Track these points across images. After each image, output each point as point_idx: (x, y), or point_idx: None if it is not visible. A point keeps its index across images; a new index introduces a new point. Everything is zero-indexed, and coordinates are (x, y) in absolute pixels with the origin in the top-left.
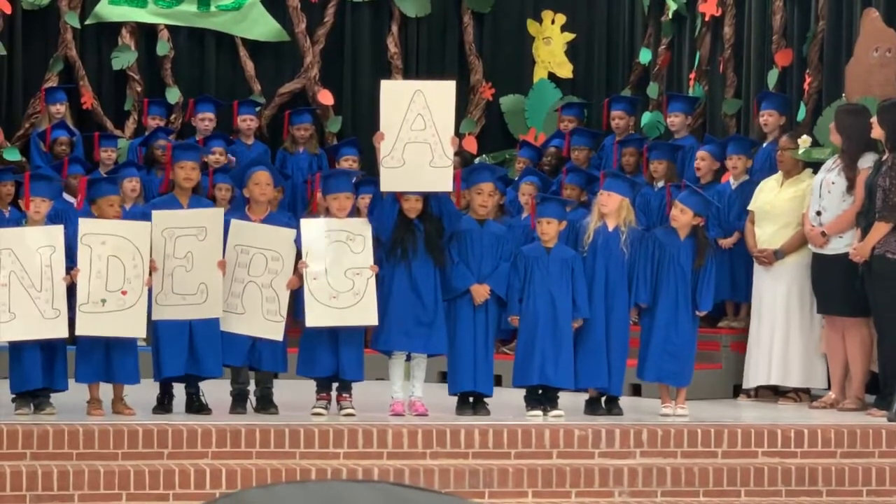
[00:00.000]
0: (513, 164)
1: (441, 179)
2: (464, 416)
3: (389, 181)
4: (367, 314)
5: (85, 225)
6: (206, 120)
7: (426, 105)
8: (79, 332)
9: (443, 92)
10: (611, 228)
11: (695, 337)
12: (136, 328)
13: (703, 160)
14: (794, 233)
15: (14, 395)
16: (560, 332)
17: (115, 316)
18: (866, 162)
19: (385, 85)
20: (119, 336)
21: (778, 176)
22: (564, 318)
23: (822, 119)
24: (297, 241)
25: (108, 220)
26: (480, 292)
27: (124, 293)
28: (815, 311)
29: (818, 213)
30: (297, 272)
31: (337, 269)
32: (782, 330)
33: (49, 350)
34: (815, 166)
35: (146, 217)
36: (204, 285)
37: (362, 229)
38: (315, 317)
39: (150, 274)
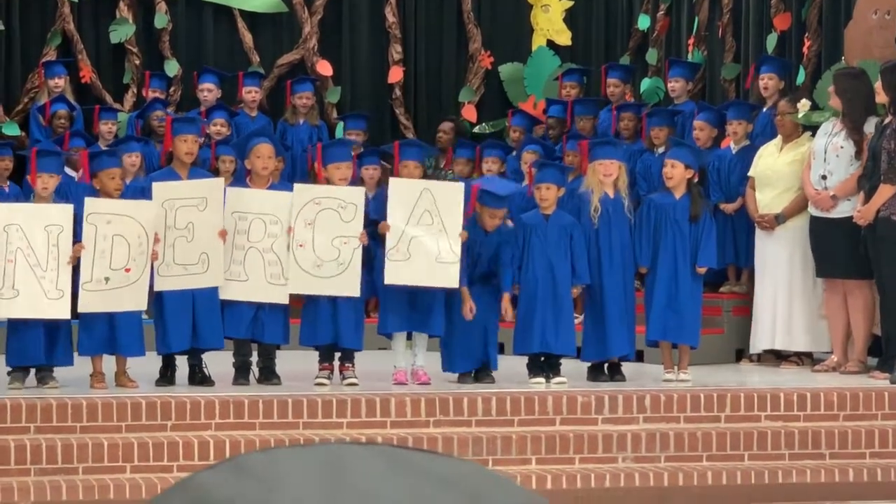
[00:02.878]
0: (509, 133)
1: (447, 275)
2: (466, 384)
3: (394, 274)
4: (349, 285)
5: (91, 204)
6: (205, 91)
7: (434, 202)
8: (81, 309)
9: (451, 192)
10: (612, 195)
11: (698, 295)
12: (138, 301)
13: (701, 130)
14: (795, 197)
15: (10, 369)
16: (560, 299)
17: (119, 292)
18: (868, 126)
19: (393, 182)
20: (122, 310)
21: (777, 141)
22: (564, 285)
23: (822, 82)
24: None
25: (113, 199)
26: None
27: (128, 270)
28: (815, 275)
29: (823, 178)
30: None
31: (324, 236)
32: (785, 295)
33: (52, 327)
34: (815, 130)
35: (147, 191)
36: (205, 255)
37: (355, 198)
38: (297, 285)
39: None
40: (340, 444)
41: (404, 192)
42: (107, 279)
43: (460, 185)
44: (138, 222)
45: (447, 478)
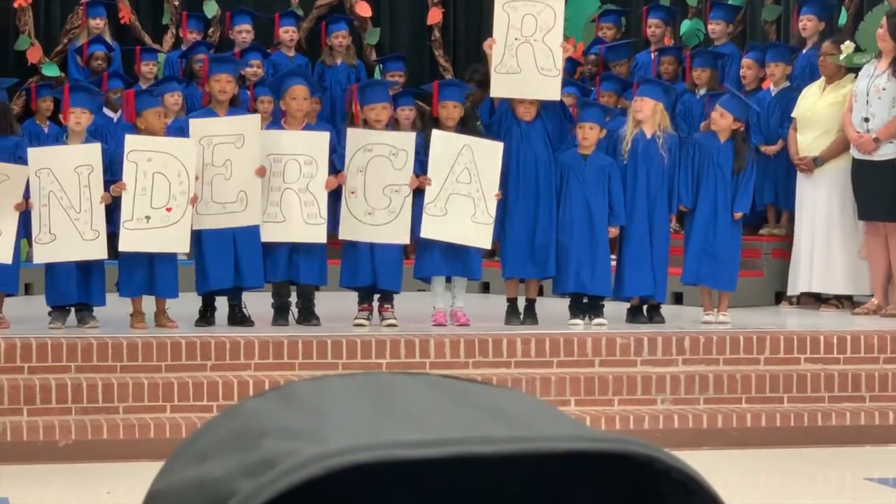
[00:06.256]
0: None
1: (480, 235)
2: (511, 325)
3: (430, 228)
4: (400, 233)
5: (131, 142)
6: (243, 32)
7: (473, 160)
8: (122, 248)
9: (491, 150)
10: (648, 135)
11: (737, 241)
12: (180, 243)
13: (749, 68)
14: (834, 139)
15: (51, 309)
16: (596, 239)
17: (160, 232)
18: None
19: (435, 135)
20: (163, 251)
21: (820, 82)
22: (600, 225)
23: (865, 24)
24: (334, 144)
25: (153, 136)
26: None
27: (169, 210)
28: (857, 218)
29: (866, 120)
30: (337, 175)
31: (376, 184)
32: (824, 237)
33: (85, 266)
34: (858, 72)
35: (186, 131)
36: (244, 193)
37: (406, 144)
38: (348, 231)
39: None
40: (389, 374)
41: (445, 146)
42: (147, 218)
43: (499, 144)
44: (178, 160)
45: (498, 406)
